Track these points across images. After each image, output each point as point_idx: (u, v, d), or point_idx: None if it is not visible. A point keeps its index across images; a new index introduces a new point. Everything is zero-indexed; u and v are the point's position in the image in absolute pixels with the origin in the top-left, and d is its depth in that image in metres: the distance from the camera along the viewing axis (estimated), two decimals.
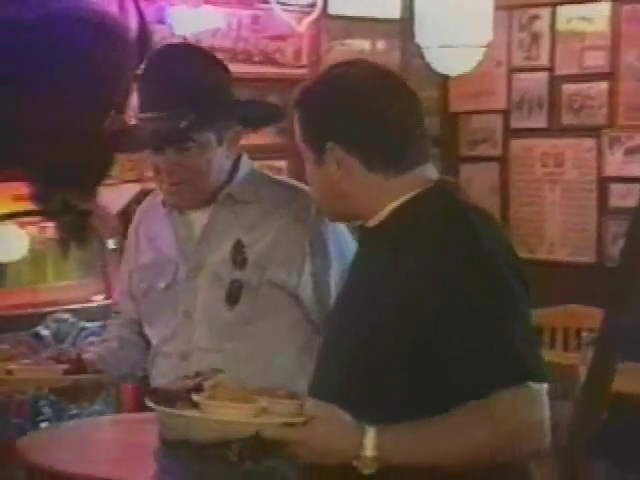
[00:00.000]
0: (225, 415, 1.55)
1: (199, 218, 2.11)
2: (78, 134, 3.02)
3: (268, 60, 4.96)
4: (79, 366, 1.95)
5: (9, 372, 1.91)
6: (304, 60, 5.08)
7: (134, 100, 1.94)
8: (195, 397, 1.56)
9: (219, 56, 4.33)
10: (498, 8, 5.08)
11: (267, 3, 4.71)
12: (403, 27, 5.31)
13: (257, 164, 4.77)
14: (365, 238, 1.83)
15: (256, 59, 4.89)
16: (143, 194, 3.70)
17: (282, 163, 4.93)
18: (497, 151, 5.88)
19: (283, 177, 2.44)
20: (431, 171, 1.74)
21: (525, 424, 1.57)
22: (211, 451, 1.92)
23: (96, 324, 4.06)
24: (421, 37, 5.03)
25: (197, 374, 1.71)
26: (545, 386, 1.59)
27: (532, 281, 1.69)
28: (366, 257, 1.83)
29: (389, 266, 1.70)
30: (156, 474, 2.24)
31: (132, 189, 4.38)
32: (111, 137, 1.82)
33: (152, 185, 4.15)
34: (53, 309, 4.13)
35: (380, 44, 5.45)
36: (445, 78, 5.62)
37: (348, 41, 5.29)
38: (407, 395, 1.65)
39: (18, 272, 4.15)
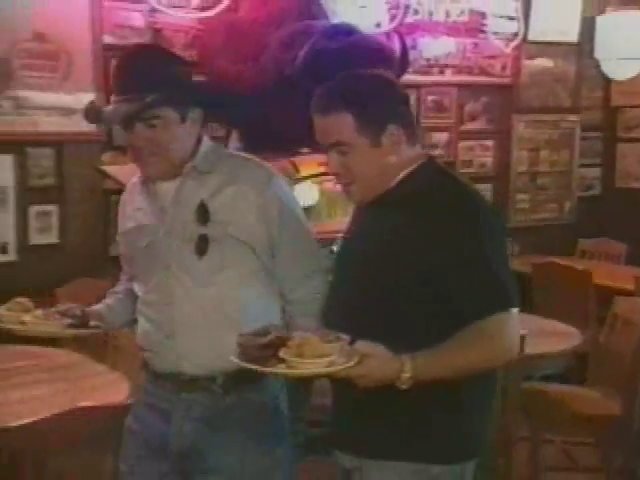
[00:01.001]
0: (311, 369, 1.72)
1: (170, 188, 2.18)
2: None
3: (483, 72, 5.77)
4: (82, 321, 2.12)
5: (22, 323, 2.06)
6: (508, 72, 5.90)
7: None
8: (284, 355, 1.73)
9: (450, 70, 5.61)
10: None
11: (484, 33, 5.58)
12: (579, 48, 6.17)
13: (473, 143, 5.77)
14: (374, 202, 1.99)
15: (475, 71, 5.72)
16: None
17: (489, 142, 5.95)
18: None
19: (239, 153, 2.55)
20: (421, 148, 2.04)
21: (510, 340, 1.87)
22: (199, 383, 2.16)
23: None
24: (600, 53, 6.07)
25: (263, 331, 1.82)
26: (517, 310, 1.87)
27: None
28: (380, 216, 1.97)
29: (405, 223, 1.89)
30: (145, 402, 2.30)
31: None
32: (92, 115, 2.34)
33: None
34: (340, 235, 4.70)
35: (560, 61, 6.15)
36: (608, 81, 6.47)
37: (538, 59, 6.02)
38: (426, 321, 1.89)
39: (317, 212, 4.46)
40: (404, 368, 1.73)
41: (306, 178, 4.47)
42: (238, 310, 2.15)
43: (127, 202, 2.32)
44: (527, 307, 4.45)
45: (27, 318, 2.05)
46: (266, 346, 1.77)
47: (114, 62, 3.10)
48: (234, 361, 1.81)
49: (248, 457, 2.18)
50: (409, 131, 1.93)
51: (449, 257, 1.84)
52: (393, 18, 5.07)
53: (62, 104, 4.21)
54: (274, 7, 4.49)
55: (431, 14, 5.26)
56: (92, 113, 2.59)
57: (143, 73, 2.12)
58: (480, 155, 5.84)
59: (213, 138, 2.32)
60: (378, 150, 1.92)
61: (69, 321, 2.08)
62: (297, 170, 4.44)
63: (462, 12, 5.41)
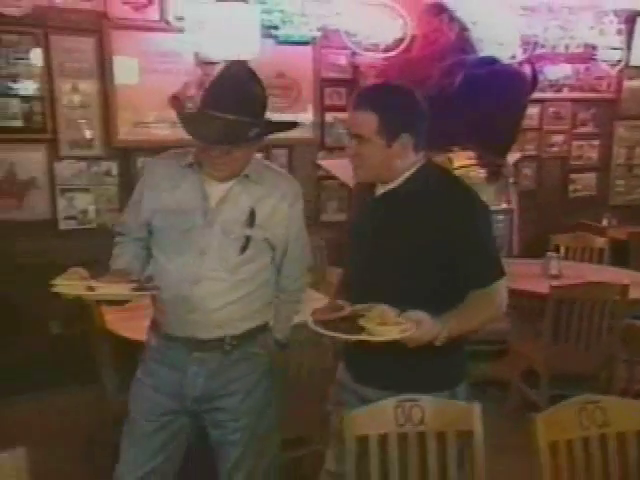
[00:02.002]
0: (391, 335, 1.67)
1: (220, 187, 2.00)
2: (502, 132, 4.71)
3: (592, 90, 5.84)
4: (140, 285, 1.87)
5: (90, 288, 1.80)
6: (612, 89, 5.94)
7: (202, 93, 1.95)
8: (364, 323, 1.68)
9: (567, 88, 5.57)
10: None
11: (594, 60, 5.67)
12: None
13: (583, 143, 5.59)
14: (386, 196, 1.92)
15: (586, 89, 5.80)
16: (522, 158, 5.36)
17: (595, 142, 5.94)
18: None
19: (275, 165, 2.29)
20: (423, 154, 1.91)
21: (504, 301, 1.88)
22: (211, 344, 2.04)
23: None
24: None
25: (337, 306, 1.78)
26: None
27: None
28: (395, 209, 1.90)
29: (419, 214, 1.85)
30: (154, 359, 2.12)
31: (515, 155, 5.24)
32: (185, 121, 1.92)
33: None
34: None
35: None
36: None
37: (636, 80, 5.98)
38: (441, 289, 1.87)
39: None
40: (443, 331, 1.75)
41: (457, 169, 4.55)
42: (252, 293, 2.08)
43: (162, 174, 2.07)
44: (625, 265, 4.54)
45: (94, 284, 1.82)
46: (346, 318, 1.74)
47: (327, 90, 3.78)
48: (319, 331, 1.75)
49: (250, 398, 2.13)
50: (418, 140, 1.87)
51: (456, 239, 1.83)
52: (525, 51, 5.20)
53: (292, 120, 4.09)
54: (437, 47, 4.69)
55: (554, 47, 5.35)
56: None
57: (248, 97, 1.91)
58: (588, 151, 5.86)
59: None
60: (388, 151, 1.85)
61: (133, 284, 1.85)
62: (451, 162, 4.66)
63: (578, 45, 5.42)
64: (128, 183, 4.07)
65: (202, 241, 2.00)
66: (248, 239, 2.05)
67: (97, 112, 4.02)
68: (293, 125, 2.18)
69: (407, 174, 1.91)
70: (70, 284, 1.81)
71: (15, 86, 3.83)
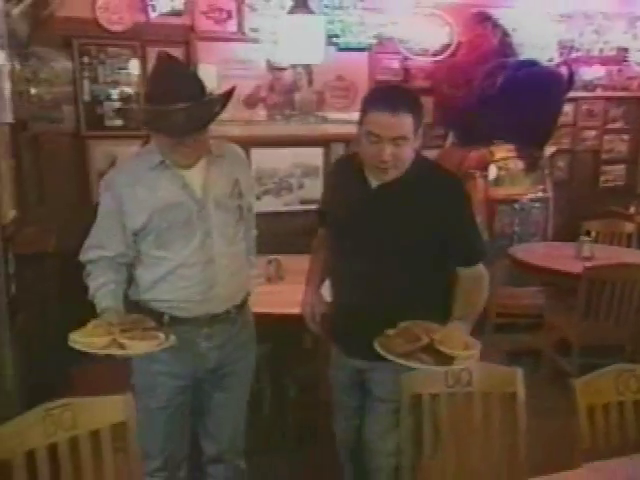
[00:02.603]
0: (474, 358, 1.60)
1: (195, 171, 1.88)
2: (539, 128, 4.61)
3: (624, 89, 5.61)
4: (163, 338, 1.69)
5: (121, 346, 1.61)
6: None
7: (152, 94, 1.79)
8: (450, 351, 1.55)
9: (600, 88, 5.35)
10: None
11: (626, 62, 5.43)
12: None
13: (613, 137, 5.33)
14: (384, 188, 1.84)
15: (617, 88, 5.57)
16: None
17: (625, 137, 5.70)
18: None
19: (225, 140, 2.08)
20: None
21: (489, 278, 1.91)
22: (219, 317, 1.96)
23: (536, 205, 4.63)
24: None
25: (408, 331, 1.64)
26: None
27: None
28: (390, 199, 1.83)
29: (418, 201, 1.80)
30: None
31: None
32: (152, 123, 1.78)
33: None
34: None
35: None
36: None
37: None
38: (434, 267, 1.86)
39: (503, 182, 4.58)
40: (464, 327, 1.77)
41: (498, 160, 4.58)
42: (243, 263, 2.05)
43: (134, 183, 1.86)
44: None
45: (122, 340, 1.63)
46: (424, 348, 1.60)
47: None
48: (412, 365, 1.59)
49: (249, 361, 2.14)
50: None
51: (453, 223, 1.82)
52: (561, 54, 5.04)
53: (349, 118, 4.25)
54: (480, 51, 4.62)
55: (588, 51, 5.18)
56: None
57: (198, 80, 1.87)
58: (618, 145, 5.69)
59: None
60: (416, 142, 1.82)
61: (156, 339, 1.67)
62: (492, 154, 4.61)
63: (611, 48, 5.24)
64: None
65: (203, 225, 1.89)
66: (240, 209, 1.99)
67: None
68: (232, 90, 1.90)
69: (405, 167, 1.86)
70: (104, 340, 1.63)
71: (117, 91, 3.93)
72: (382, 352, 1.62)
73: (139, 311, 1.92)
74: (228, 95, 1.87)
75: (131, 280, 1.99)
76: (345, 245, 1.95)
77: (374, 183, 1.88)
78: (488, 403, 1.80)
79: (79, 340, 1.63)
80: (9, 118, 2.36)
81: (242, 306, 2.05)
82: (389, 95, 1.87)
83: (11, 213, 1.99)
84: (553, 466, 1.56)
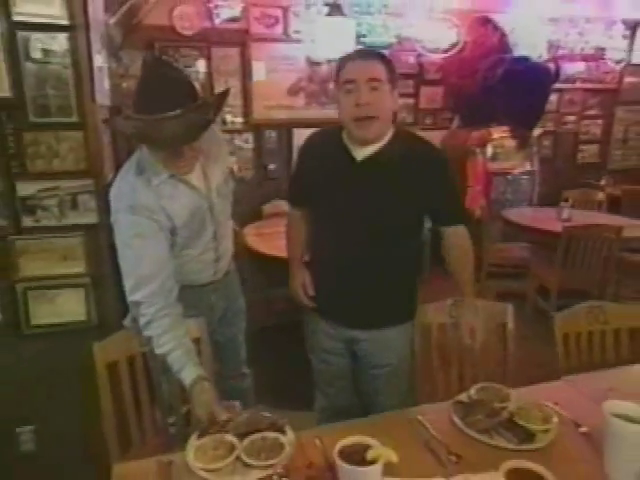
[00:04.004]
0: (552, 434, 1.26)
1: (195, 175, 1.61)
2: (530, 112, 4.47)
3: (600, 82, 5.32)
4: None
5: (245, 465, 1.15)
6: (616, 82, 5.39)
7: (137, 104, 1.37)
8: (529, 426, 1.26)
9: (579, 81, 5.15)
10: None
11: (603, 59, 5.15)
12: None
13: (590, 122, 5.20)
14: (370, 160, 1.56)
15: (595, 81, 5.31)
16: None
17: (600, 121, 5.49)
18: None
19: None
20: None
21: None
22: (225, 279, 1.89)
23: None
24: None
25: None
26: None
27: None
28: (376, 170, 1.55)
29: (401, 173, 1.54)
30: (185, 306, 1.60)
31: None
32: (142, 135, 1.36)
33: None
34: None
35: None
36: None
37: (635, 75, 5.42)
38: (418, 233, 1.67)
39: (499, 157, 4.43)
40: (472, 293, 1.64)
41: (495, 139, 4.48)
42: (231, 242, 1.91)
43: (160, 200, 1.54)
44: (619, 213, 4.41)
45: (248, 461, 1.17)
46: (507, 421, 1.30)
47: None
48: (479, 438, 1.26)
49: (241, 298, 2.04)
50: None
51: (439, 188, 1.59)
52: (549, 52, 4.89)
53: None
54: (483, 49, 4.51)
55: (572, 50, 5.02)
56: None
57: (189, 87, 1.51)
58: (594, 128, 5.51)
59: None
60: (392, 98, 1.53)
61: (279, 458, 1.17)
62: (490, 135, 4.51)
63: (591, 48, 5.07)
64: (259, 149, 4.11)
65: (213, 216, 1.71)
66: (231, 195, 1.83)
67: (240, 100, 4.00)
68: (227, 92, 1.57)
69: (387, 138, 1.58)
70: (219, 467, 1.15)
71: None
72: (465, 430, 1.31)
73: None
74: (221, 97, 1.51)
75: None
76: (329, 222, 1.64)
77: (358, 155, 1.57)
78: (485, 330, 1.75)
79: (203, 467, 1.16)
80: (108, 103, 2.43)
81: (231, 262, 1.98)
82: (360, 49, 1.72)
83: (110, 176, 2.05)
84: (535, 381, 1.57)
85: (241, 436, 1.21)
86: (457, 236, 1.67)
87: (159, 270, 1.50)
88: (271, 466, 1.15)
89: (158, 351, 1.49)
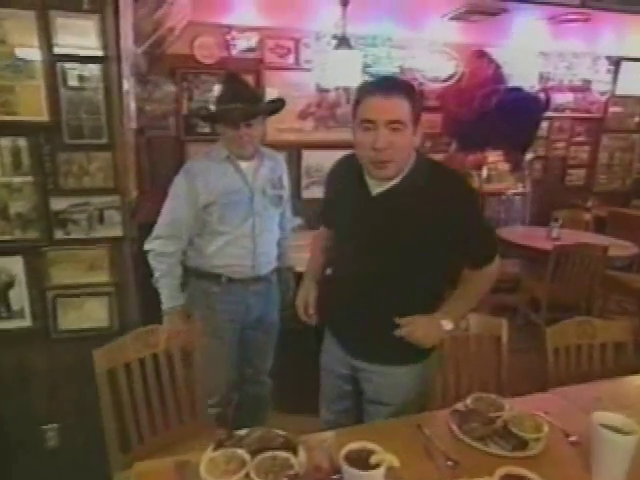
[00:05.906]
0: (542, 442, 1.22)
1: (250, 165, 1.88)
2: (522, 138, 4.49)
3: (586, 111, 5.28)
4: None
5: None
6: (601, 111, 5.34)
7: (219, 94, 1.85)
8: (524, 435, 1.22)
9: (568, 110, 5.13)
10: None
11: (590, 91, 5.14)
12: None
13: (578, 148, 5.13)
14: (385, 195, 1.36)
15: (582, 111, 5.24)
16: None
17: (587, 147, 5.43)
18: None
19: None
20: None
21: (496, 272, 1.46)
22: (263, 278, 1.98)
23: None
24: None
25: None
26: None
27: None
28: (392, 205, 1.35)
29: (419, 207, 1.31)
30: (225, 300, 1.91)
31: None
32: (220, 115, 1.82)
33: None
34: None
35: (630, 106, 5.46)
36: None
37: (619, 105, 5.39)
38: (442, 270, 1.41)
39: (491, 180, 4.47)
40: (447, 327, 1.38)
41: (489, 163, 4.51)
42: (277, 237, 2.03)
43: (201, 175, 1.85)
44: (604, 233, 4.40)
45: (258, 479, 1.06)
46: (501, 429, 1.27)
47: None
48: (474, 445, 1.23)
49: (276, 312, 2.10)
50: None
51: (462, 224, 1.33)
52: (540, 83, 4.91)
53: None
54: (479, 79, 4.49)
55: (561, 81, 5.01)
56: None
57: (253, 89, 1.93)
58: (581, 154, 5.48)
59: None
60: (411, 140, 1.31)
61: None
62: (485, 158, 4.53)
63: (578, 80, 5.07)
64: None
65: (252, 207, 1.88)
66: (280, 198, 1.98)
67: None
68: (282, 101, 1.98)
69: (406, 170, 1.36)
70: None
71: (206, 107, 3.84)
72: (462, 437, 1.28)
73: (198, 275, 1.92)
74: (277, 102, 1.92)
75: (187, 251, 1.93)
76: (346, 248, 1.49)
77: (374, 189, 1.38)
78: (480, 343, 1.79)
79: None
80: (134, 125, 2.46)
81: (274, 271, 2.05)
82: (382, 81, 1.36)
83: (134, 193, 2.12)
84: (526, 391, 1.54)
85: (254, 453, 1.14)
86: (483, 276, 1.43)
87: (175, 223, 1.83)
88: None
89: (155, 274, 1.83)
